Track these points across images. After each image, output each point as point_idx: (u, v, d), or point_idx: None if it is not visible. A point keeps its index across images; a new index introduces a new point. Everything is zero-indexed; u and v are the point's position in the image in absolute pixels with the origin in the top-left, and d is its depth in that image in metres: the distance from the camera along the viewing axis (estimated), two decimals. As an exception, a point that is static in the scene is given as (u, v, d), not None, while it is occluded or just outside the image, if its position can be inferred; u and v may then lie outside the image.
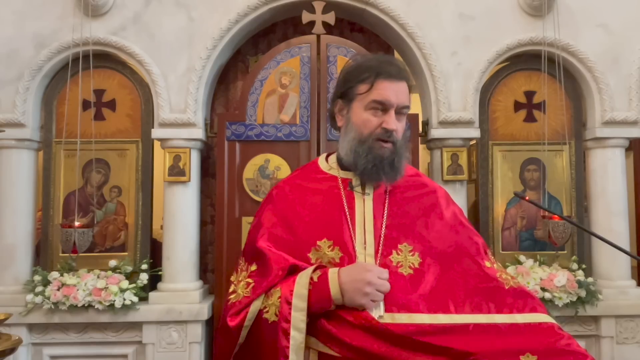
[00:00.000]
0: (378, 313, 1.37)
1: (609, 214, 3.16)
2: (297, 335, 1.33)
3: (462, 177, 3.15)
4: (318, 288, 1.36)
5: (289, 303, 1.35)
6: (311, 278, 1.37)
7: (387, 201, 1.53)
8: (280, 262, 1.43)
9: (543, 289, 2.95)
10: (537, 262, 3.11)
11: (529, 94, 3.29)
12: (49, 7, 3.12)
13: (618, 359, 3.05)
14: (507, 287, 1.46)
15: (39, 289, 2.93)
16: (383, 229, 1.48)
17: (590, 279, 3.05)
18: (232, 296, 1.47)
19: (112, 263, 3.08)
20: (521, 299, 1.44)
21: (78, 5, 3.08)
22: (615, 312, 3.05)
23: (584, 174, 3.29)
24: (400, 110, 1.48)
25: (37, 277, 2.99)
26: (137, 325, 3.00)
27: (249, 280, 1.46)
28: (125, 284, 2.96)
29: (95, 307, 2.90)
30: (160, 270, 3.14)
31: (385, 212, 1.51)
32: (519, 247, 3.22)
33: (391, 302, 1.38)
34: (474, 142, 3.36)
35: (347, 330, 1.34)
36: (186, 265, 3.12)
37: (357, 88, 1.49)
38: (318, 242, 1.45)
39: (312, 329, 1.37)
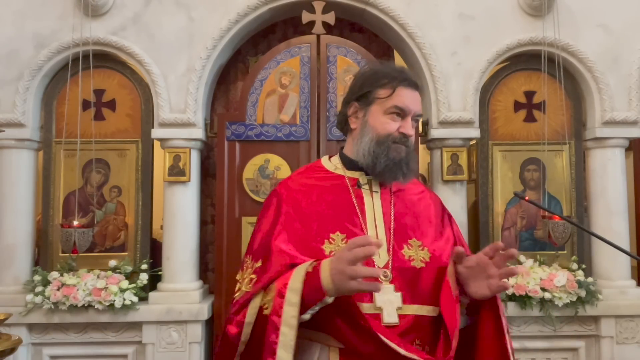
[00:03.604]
0: (375, 308, 1.39)
1: (609, 214, 3.16)
2: (287, 331, 1.27)
3: (462, 177, 3.15)
4: (310, 278, 1.30)
5: (282, 296, 1.30)
6: (307, 271, 1.32)
7: (392, 200, 1.58)
8: (284, 259, 1.41)
9: (543, 289, 2.95)
10: (537, 262, 3.11)
11: (529, 94, 3.29)
12: (49, 7, 3.12)
13: (618, 359, 3.04)
14: None
15: (39, 289, 2.93)
16: (392, 225, 1.53)
17: (590, 279, 3.05)
18: (237, 294, 1.46)
19: (112, 263, 3.08)
20: None
21: (78, 5, 3.08)
22: (615, 312, 3.05)
23: (583, 174, 3.29)
24: (414, 118, 1.55)
25: (37, 277, 2.99)
26: (137, 325, 3.00)
27: (253, 276, 1.44)
28: (125, 284, 2.96)
29: (95, 307, 2.90)
30: (160, 270, 3.14)
31: (393, 209, 1.56)
32: (519, 247, 3.21)
33: (405, 293, 1.43)
34: (473, 142, 3.36)
35: (342, 324, 1.35)
36: (186, 265, 3.12)
37: (376, 92, 1.54)
38: (331, 235, 1.48)
39: (330, 326, 1.37)
